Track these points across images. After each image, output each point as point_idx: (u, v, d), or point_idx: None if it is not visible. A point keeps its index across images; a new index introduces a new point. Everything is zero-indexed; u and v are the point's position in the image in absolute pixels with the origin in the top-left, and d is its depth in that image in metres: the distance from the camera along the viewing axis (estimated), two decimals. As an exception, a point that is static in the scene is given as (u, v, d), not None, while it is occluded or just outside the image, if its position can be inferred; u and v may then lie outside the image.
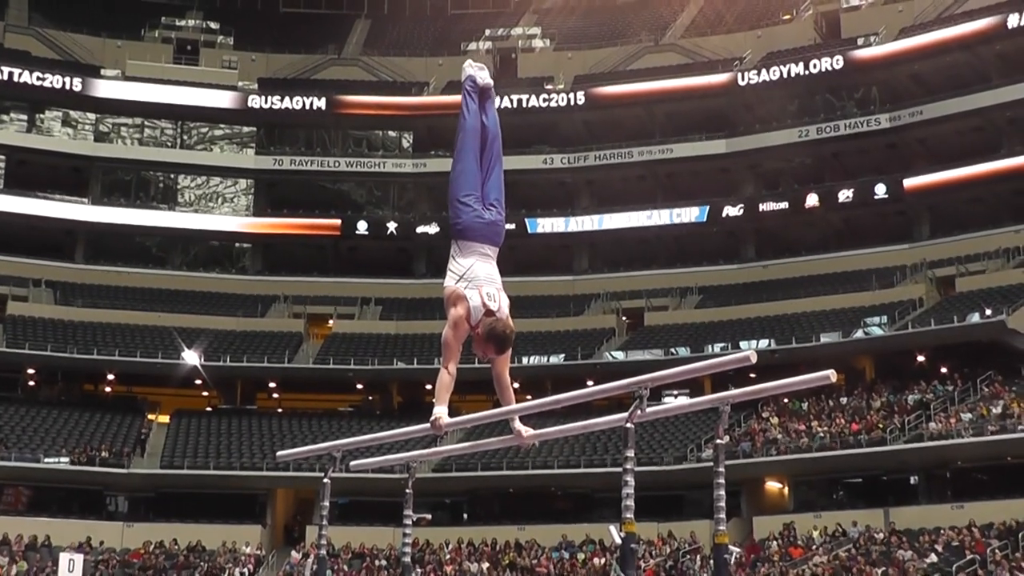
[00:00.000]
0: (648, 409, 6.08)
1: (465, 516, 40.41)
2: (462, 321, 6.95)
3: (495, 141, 7.49)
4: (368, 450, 28.15)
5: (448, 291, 7.08)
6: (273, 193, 50.76)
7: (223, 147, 51.20)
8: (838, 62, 45.77)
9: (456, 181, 7.34)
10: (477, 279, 7.04)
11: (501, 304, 6.99)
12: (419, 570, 33.90)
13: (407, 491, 8.22)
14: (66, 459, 38.45)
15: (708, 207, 47.24)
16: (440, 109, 47.78)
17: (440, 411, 6.83)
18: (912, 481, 36.16)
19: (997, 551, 29.74)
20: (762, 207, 46.81)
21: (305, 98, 49.97)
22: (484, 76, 7.55)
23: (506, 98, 48.41)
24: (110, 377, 44.27)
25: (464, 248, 7.18)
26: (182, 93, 49.17)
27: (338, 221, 49.67)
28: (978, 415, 34.23)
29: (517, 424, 7.13)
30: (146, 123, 50.32)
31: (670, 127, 48.45)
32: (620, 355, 42.24)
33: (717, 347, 40.09)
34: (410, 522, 8.29)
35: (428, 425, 6.84)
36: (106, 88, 48.85)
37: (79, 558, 31.93)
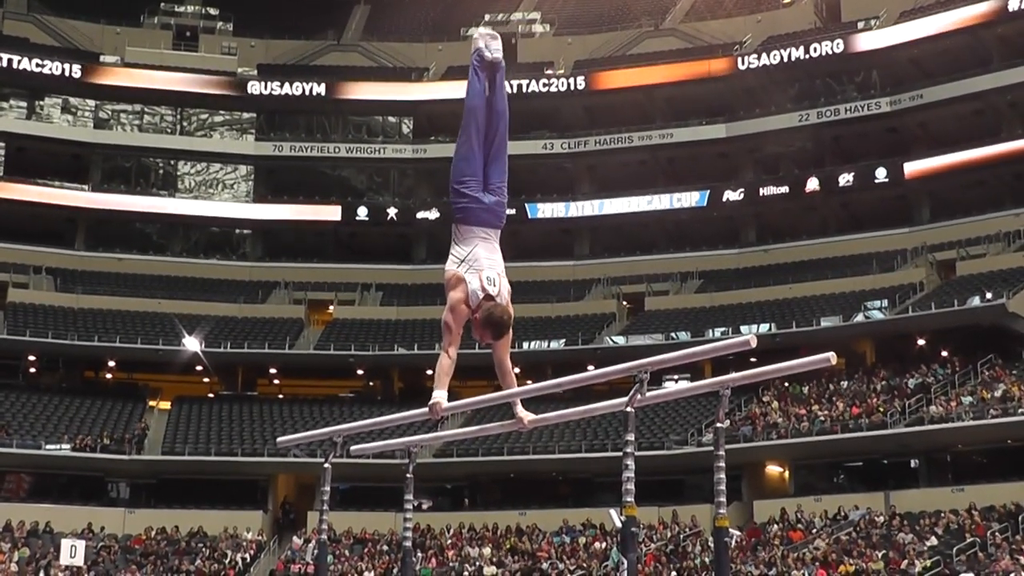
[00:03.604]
0: (648, 393, 6.07)
1: (466, 501, 40.47)
2: (460, 304, 6.87)
3: (500, 121, 7.21)
4: (369, 435, 28.10)
5: (448, 274, 7.00)
6: (273, 179, 50.67)
7: (223, 133, 51.09)
8: (838, 46, 45.66)
9: (456, 165, 7.15)
10: (478, 263, 6.94)
11: (501, 289, 6.90)
12: (420, 555, 33.95)
13: (408, 476, 8.22)
14: (67, 446, 38.45)
15: (708, 192, 47.19)
16: (440, 95, 47.71)
17: (439, 395, 6.75)
18: (913, 464, 36.20)
19: (997, 534, 29.77)
20: (762, 191, 46.78)
21: (304, 84, 49.90)
22: (494, 49, 7.16)
23: (505, 84, 48.38)
24: (111, 364, 44.34)
25: (464, 233, 7.07)
26: (181, 79, 49.15)
27: (338, 207, 49.63)
28: (978, 398, 34.21)
29: (519, 409, 7.05)
30: (146, 109, 50.24)
31: (670, 112, 48.37)
32: (620, 340, 42.20)
33: (718, 331, 40.07)
34: (411, 507, 8.28)
35: (427, 410, 6.78)
36: (105, 74, 48.80)
37: (81, 544, 32.00)
